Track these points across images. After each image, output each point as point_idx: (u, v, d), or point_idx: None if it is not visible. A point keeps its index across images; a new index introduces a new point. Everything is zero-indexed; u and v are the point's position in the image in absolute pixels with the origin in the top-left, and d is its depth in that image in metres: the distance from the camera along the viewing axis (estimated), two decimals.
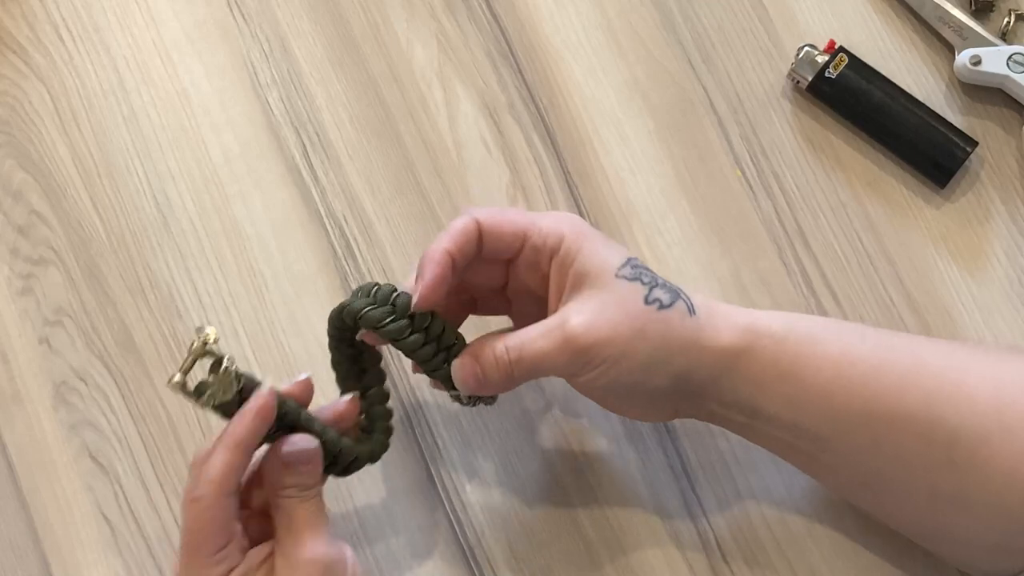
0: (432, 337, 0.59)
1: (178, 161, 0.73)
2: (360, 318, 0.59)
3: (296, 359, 0.70)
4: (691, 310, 0.59)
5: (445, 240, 0.59)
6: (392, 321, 0.59)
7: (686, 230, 0.71)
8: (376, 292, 0.59)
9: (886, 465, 0.59)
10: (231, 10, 0.75)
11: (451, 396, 0.62)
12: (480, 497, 0.69)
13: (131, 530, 0.69)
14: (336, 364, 0.64)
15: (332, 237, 0.72)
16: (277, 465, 0.58)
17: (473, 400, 0.62)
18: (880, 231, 0.71)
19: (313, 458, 0.59)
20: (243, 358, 0.70)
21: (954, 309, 0.70)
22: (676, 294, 0.59)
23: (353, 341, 0.63)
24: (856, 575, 0.67)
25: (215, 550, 0.57)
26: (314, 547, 0.57)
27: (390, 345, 0.60)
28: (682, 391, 0.59)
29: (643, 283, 0.58)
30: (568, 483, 0.69)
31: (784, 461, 0.65)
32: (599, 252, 0.59)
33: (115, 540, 0.69)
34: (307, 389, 0.62)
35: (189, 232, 0.72)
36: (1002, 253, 0.71)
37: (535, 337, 0.58)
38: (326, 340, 0.71)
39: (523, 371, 0.58)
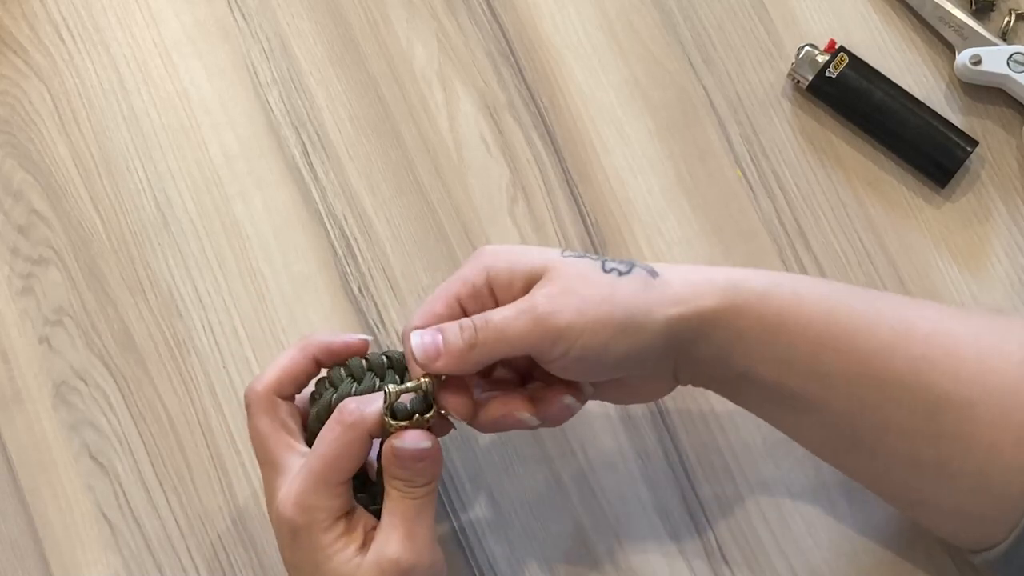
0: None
1: (178, 161, 0.73)
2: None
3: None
4: (652, 273, 0.59)
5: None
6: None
7: (686, 230, 0.71)
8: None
9: (869, 431, 0.59)
10: (231, 10, 0.75)
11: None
12: (480, 497, 0.69)
13: (131, 530, 0.69)
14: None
15: (332, 237, 0.72)
16: (390, 454, 0.58)
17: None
18: (880, 231, 0.71)
19: (424, 458, 0.58)
20: (243, 358, 0.70)
21: None
22: (631, 263, 0.59)
23: None
24: (856, 575, 0.67)
25: (343, 479, 0.58)
26: (401, 547, 0.57)
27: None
28: (669, 351, 0.59)
29: (592, 259, 0.59)
30: (568, 483, 0.69)
31: (783, 460, 0.65)
32: (531, 252, 0.59)
33: (115, 540, 0.69)
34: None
35: (189, 232, 0.72)
36: (1002, 253, 0.71)
37: (502, 309, 0.57)
38: None
39: (487, 337, 0.56)
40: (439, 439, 0.59)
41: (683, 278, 0.59)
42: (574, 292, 0.57)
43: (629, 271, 0.58)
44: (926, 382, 0.58)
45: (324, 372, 0.63)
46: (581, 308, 0.56)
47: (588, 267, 0.58)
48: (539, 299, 0.57)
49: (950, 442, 0.57)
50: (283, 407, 0.61)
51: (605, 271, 0.58)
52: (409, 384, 0.58)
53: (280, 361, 0.62)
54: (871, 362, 0.58)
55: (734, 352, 0.58)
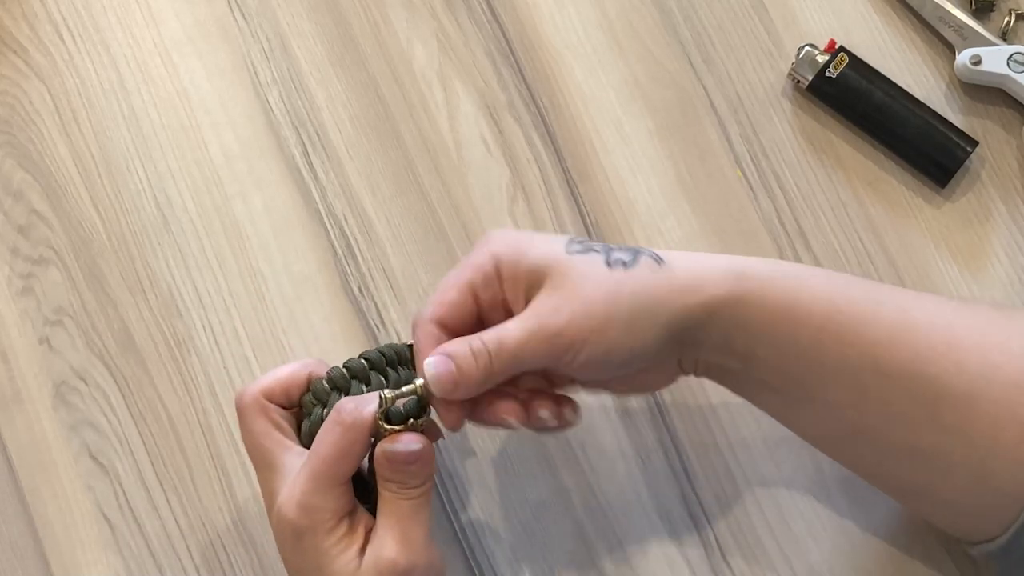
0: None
1: (178, 161, 0.73)
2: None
3: (296, 359, 0.70)
4: (657, 260, 0.58)
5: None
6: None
7: (686, 230, 0.71)
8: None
9: (870, 419, 0.59)
10: (231, 10, 0.75)
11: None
12: (480, 497, 0.69)
13: (131, 530, 0.69)
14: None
15: (332, 237, 0.72)
16: (382, 458, 0.58)
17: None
18: (880, 231, 0.71)
19: (416, 460, 0.58)
20: (243, 358, 0.70)
21: None
22: (636, 251, 0.59)
23: None
24: (856, 575, 0.67)
25: (344, 480, 0.57)
26: (397, 549, 0.57)
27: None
28: (674, 342, 0.59)
29: (597, 251, 0.58)
30: (568, 483, 0.69)
31: (783, 460, 0.65)
32: (537, 245, 0.59)
33: (115, 540, 0.69)
34: None
35: (189, 232, 0.72)
36: (1002, 253, 0.71)
37: (512, 328, 0.57)
38: (326, 340, 0.71)
39: (503, 363, 0.57)
40: (433, 441, 0.59)
41: (687, 265, 0.59)
42: (578, 297, 0.57)
43: (634, 260, 0.58)
44: (928, 373, 0.58)
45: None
46: (587, 312, 0.57)
47: (592, 265, 0.58)
48: (545, 312, 0.57)
49: (951, 434, 0.57)
50: (274, 409, 0.61)
51: (610, 265, 0.58)
52: (404, 389, 0.58)
53: (274, 372, 0.62)
54: (873, 352, 0.58)
55: (737, 339, 0.59)
